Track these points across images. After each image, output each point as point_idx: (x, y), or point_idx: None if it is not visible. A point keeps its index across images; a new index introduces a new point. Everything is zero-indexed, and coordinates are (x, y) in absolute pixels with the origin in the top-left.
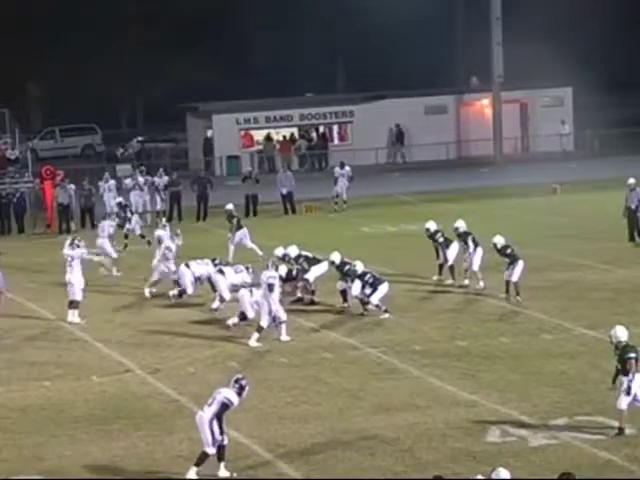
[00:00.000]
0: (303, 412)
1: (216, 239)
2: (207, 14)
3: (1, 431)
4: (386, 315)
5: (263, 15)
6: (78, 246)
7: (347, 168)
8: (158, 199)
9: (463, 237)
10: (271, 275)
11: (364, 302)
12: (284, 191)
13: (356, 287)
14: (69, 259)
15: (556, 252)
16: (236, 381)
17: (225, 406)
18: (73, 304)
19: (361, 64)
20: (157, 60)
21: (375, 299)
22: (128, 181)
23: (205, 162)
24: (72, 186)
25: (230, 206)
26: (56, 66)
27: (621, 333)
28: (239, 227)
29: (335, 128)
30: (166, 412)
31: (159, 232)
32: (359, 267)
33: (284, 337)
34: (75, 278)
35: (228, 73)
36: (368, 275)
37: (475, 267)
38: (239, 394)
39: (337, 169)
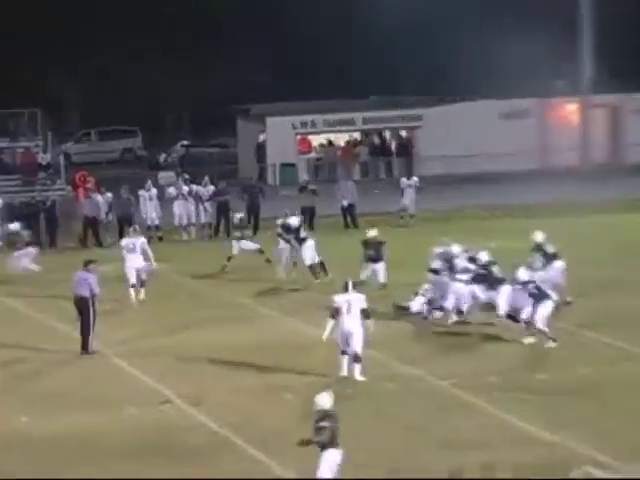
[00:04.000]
0: (358, 448)
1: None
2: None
3: (24, 464)
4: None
5: (321, 13)
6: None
7: (415, 178)
8: (202, 211)
9: (538, 250)
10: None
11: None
12: (345, 203)
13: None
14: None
15: None
16: None
17: None
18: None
19: (431, 64)
20: (205, 59)
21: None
22: (171, 190)
23: (258, 170)
24: (109, 195)
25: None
26: (94, 64)
27: (323, 401)
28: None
29: (403, 134)
30: (208, 447)
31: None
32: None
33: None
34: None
35: (282, 73)
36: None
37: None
38: None
39: (404, 179)
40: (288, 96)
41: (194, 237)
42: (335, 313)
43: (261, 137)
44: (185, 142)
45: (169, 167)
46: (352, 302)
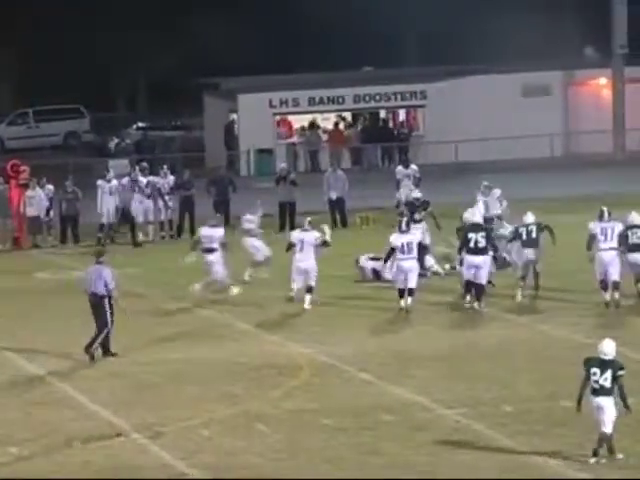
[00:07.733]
0: None
1: (239, 261)
2: None
3: None
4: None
5: None
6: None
7: (414, 167)
8: (162, 206)
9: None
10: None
11: None
12: (333, 196)
13: None
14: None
15: None
16: None
17: None
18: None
19: (438, 30)
20: (166, 23)
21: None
22: (125, 181)
23: (227, 157)
24: (50, 187)
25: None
26: (32, 30)
27: None
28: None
29: (401, 114)
30: None
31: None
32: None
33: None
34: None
35: (259, 40)
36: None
37: None
38: None
39: (400, 168)
40: (264, 68)
41: (152, 238)
42: (290, 247)
43: (232, 117)
44: (141, 124)
45: (122, 154)
46: (305, 240)
